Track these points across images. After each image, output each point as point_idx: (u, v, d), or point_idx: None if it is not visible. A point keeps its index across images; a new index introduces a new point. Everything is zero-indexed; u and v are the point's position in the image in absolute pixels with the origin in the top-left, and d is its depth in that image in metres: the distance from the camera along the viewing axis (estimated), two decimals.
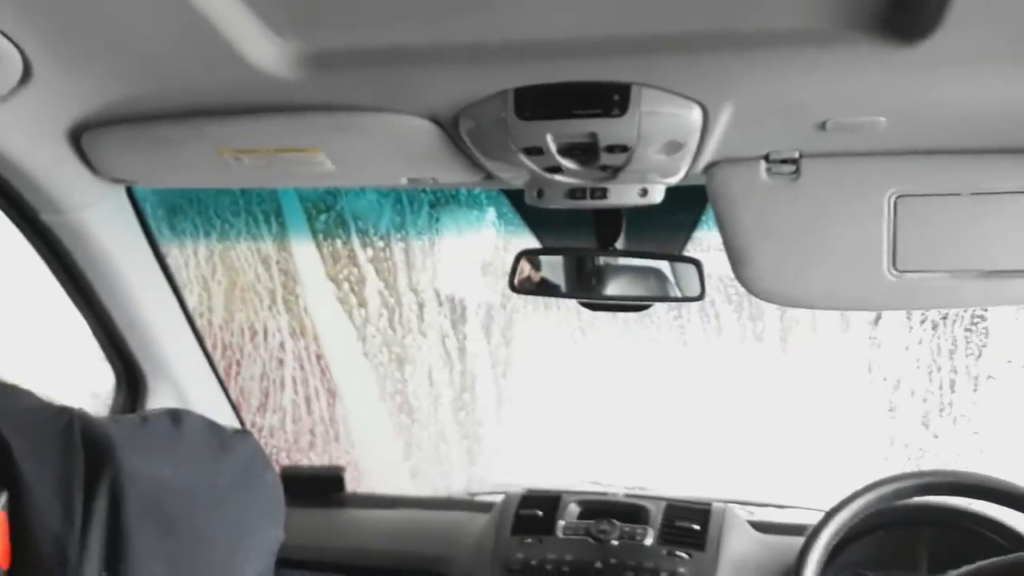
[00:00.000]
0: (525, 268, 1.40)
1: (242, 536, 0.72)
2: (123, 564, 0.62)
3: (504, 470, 2.30)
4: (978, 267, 1.15)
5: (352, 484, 1.89)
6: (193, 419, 0.72)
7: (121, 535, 0.62)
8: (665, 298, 1.40)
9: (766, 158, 1.17)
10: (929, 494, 1.41)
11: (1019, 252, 1.14)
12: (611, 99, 0.98)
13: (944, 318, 1.92)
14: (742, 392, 2.11)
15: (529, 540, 1.57)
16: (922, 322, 1.96)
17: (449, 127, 1.10)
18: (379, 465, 2.37)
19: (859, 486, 1.40)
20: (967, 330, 1.93)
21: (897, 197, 1.16)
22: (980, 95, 0.98)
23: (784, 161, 1.17)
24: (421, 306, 2.20)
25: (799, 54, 0.91)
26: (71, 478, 0.61)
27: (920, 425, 2.00)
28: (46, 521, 0.60)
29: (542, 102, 1.00)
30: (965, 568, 1.20)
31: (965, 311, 1.89)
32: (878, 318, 1.98)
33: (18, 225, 1.38)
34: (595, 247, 1.37)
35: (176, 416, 0.71)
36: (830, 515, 1.37)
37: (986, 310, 1.89)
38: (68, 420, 0.64)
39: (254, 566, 0.72)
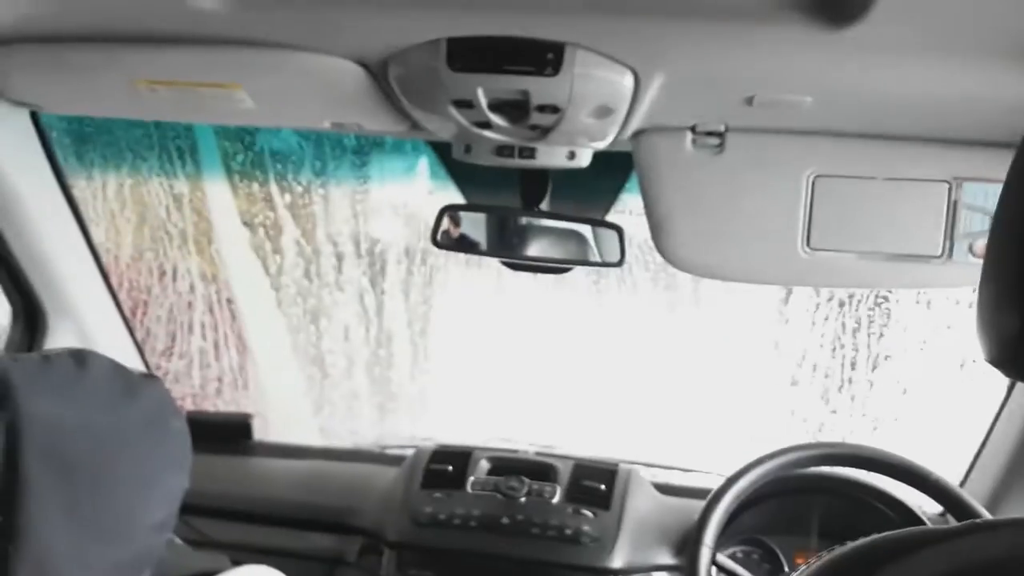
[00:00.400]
0: (448, 224, 1.38)
1: (146, 484, 0.70)
2: (19, 510, 0.60)
3: (415, 427, 2.30)
4: (886, 250, 1.20)
5: (260, 436, 1.86)
6: (99, 361, 0.69)
7: (17, 480, 0.59)
8: (586, 262, 1.41)
9: (692, 129, 1.18)
10: (828, 464, 1.47)
11: (925, 238, 1.18)
12: (545, 58, 0.97)
13: (851, 297, 1.99)
14: (650, 358, 2.16)
15: (439, 494, 1.57)
16: (829, 300, 2.02)
17: (377, 72, 1.07)
18: (288, 418, 2.34)
19: (759, 455, 1.45)
20: (870, 310, 2.01)
21: (815, 177, 1.19)
22: (903, 83, 1.01)
23: (710, 134, 1.18)
24: (340, 258, 2.16)
25: (733, 28, 0.92)
26: None
27: (820, 400, 2.08)
28: None
29: (476, 54, 0.99)
30: (865, 539, 1.26)
31: (871, 292, 1.97)
32: (789, 294, 2.04)
33: None
34: (520, 207, 1.37)
35: (81, 357, 0.68)
36: (731, 481, 1.42)
37: (890, 292, 1.96)
38: None
39: (157, 514, 0.71)
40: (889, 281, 1.27)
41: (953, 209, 1.17)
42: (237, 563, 0.90)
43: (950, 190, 1.16)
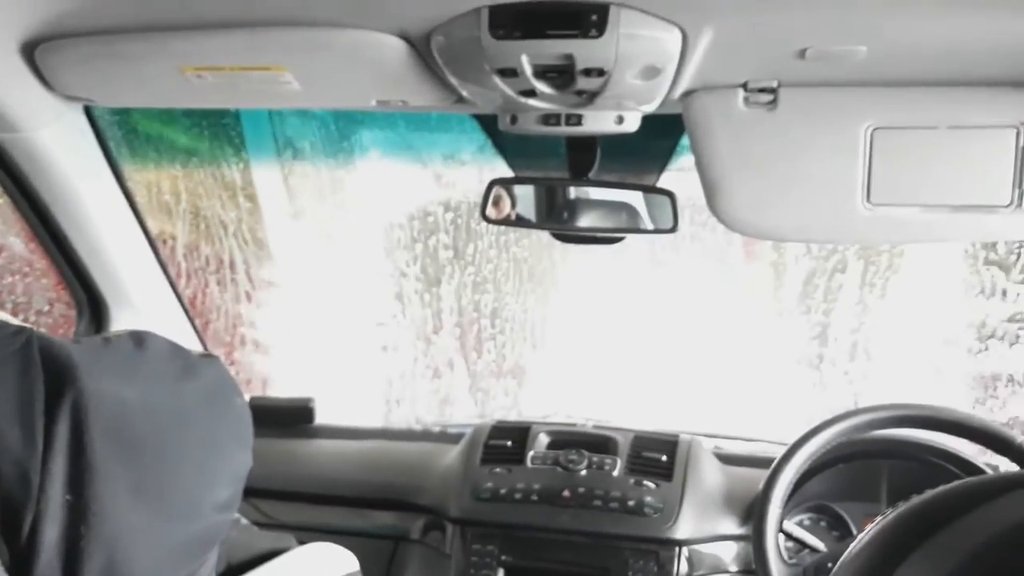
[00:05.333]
0: (497, 197, 1.38)
1: (210, 459, 0.70)
2: (87, 488, 0.60)
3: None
4: (951, 202, 1.15)
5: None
6: (157, 340, 0.69)
7: (84, 459, 0.60)
8: (638, 230, 1.39)
9: (744, 87, 1.15)
10: (903, 427, 1.43)
11: (993, 187, 1.14)
12: (589, 19, 0.95)
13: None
14: (699, 324, 2.12)
15: (499, 469, 1.57)
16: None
17: (420, 46, 1.06)
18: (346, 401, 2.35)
19: (821, 420, 1.42)
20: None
21: (874, 129, 1.14)
22: (962, 27, 0.96)
23: (762, 90, 1.15)
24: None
25: None
26: (31, 401, 0.59)
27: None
28: (6, 444, 0.57)
29: (518, 21, 0.97)
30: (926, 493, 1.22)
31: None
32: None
33: None
34: (568, 177, 1.35)
35: (139, 337, 0.68)
36: (797, 445, 1.39)
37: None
38: (26, 340, 0.61)
39: (222, 493, 0.71)
40: (955, 234, 1.21)
41: (1022, 155, 1.12)
42: (303, 543, 0.90)
43: (1018, 135, 1.11)
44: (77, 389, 0.60)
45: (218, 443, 0.71)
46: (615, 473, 1.54)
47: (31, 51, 1.15)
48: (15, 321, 0.66)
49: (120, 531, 0.63)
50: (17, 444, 0.58)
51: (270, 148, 1.98)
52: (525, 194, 1.42)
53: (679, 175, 1.51)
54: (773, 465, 1.40)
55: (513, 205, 1.41)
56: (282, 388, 2.37)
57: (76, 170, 1.42)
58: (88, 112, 1.42)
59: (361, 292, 2.19)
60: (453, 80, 1.11)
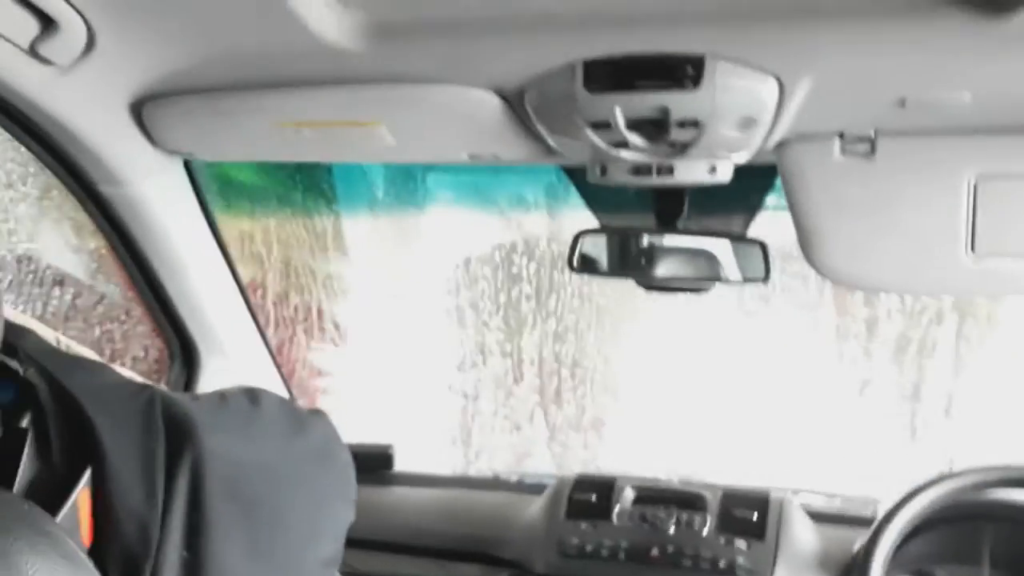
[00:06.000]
0: (584, 248, 1.37)
1: (318, 516, 0.71)
2: (203, 545, 0.61)
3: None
4: None
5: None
6: (269, 398, 0.71)
7: (202, 516, 0.61)
8: (727, 280, 1.37)
9: (840, 136, 1.13)
10: (1014, 487, 1.36)
11: None
12: (685, 72, 0.95)
13: None
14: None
15: (584, 525, 1.54)
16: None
17: (513, 100, 1.07)
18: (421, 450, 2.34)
19: (926, 478, 1.36)
20: None
21: (978, 178, 1.11)
22: None
23: (859, 139, 1.12)
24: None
25: (881, 26, 0.87)
26: (153, 458, 0.61)
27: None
28: (129, 500, 0.59)
29: (612, 75, 0.97)
30: None
31: None
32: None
33: (76, 196, 1.39)
34: (655, 226, 1.34)
35: (254, 395, 0.70)
36: (899, 505, 1.33)
37: None
38: (149, 398, 0.63)
39: (326, 549, 0.71)
40: None
41: None
42: None
43: None
44: (196, 448, 0.61)
45: (326, 500, 0.71)
46: (705, 531, 1.50)
47: (138, 109, 1.20)
48: (139, 379, 0.68)
49: None
50: (139, 501, 0.59)
51: (358, 198, 2.02)
52: (612, 244, 1.41)
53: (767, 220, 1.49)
54: (875, 525, 1.34)
55: (599, 255, 1.41)
56: (361, 435, 2.38)
57: (174, 221, 1.46)
58: (187, 165, 1.47)
59: (441, 341, 2.20)
60: (544, 133, 1.12)
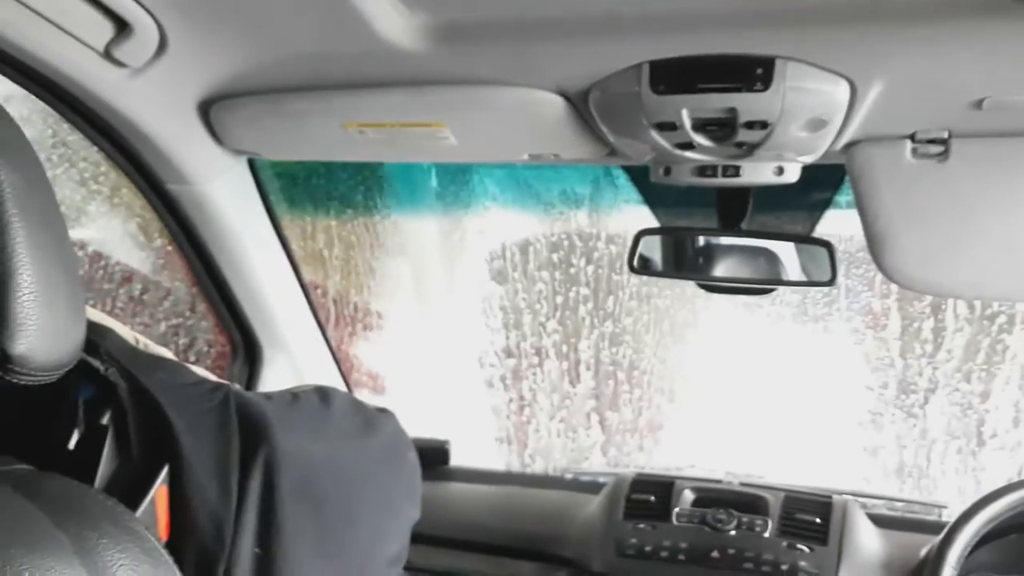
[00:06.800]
0: (644, 248, 1.36)
1: (385, 515, 0.72)
2: (276, 543, 0.63)
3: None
4: None
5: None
6: (340, 397, 0.72)
7: (274, 514, 0.63)
8: (791, 282, 1.34)
9: (912, 137, 1.10)
10: None
11: None
12: (754, 73, 0.93)
13: None
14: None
15: (643, 525, 1.54)
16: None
17: (578, 101, 1.07)
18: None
19: (997, 486, 1.32)
20: None
21: None
22: None
23: (931, 141, 1.09)
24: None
25: (957, 27, 0.84)
26: (228, 455, 0.62)
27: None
28: (204, 497, 0.60)
29: (679, 76, 0.96)
30: None
31: None
32: None
33: (144, 194, 1.42)
34: (717, 226, 1.32)
35: (324, 394, 0.71)
36: (972, 511, 1.30)
37: None
38: (224, 396, 0.64)
39: (393, 547, 0.72)
40: None
41: None
42: None
43: None
44: (270, 446, 0.62)
45: (394, 499, 0.72)
46: (766, 535, 1.48)
47: (206, 109, 1.23)
48: (213, 377, 0.69)
49: None
50: (214, 498, 0.61)
51: (417, 198, 2.03)
52: (673, 244, 1.40)
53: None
54: (945, 531, 1.31)
55: (658, 255, 1.40)
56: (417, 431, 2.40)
57: (238, 219, 1.49)
58: (251, 164, 1.49)
59: (497, 342, 2.21)
60: (607, 134, 1.11)
